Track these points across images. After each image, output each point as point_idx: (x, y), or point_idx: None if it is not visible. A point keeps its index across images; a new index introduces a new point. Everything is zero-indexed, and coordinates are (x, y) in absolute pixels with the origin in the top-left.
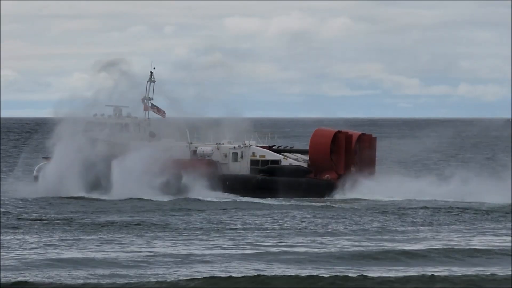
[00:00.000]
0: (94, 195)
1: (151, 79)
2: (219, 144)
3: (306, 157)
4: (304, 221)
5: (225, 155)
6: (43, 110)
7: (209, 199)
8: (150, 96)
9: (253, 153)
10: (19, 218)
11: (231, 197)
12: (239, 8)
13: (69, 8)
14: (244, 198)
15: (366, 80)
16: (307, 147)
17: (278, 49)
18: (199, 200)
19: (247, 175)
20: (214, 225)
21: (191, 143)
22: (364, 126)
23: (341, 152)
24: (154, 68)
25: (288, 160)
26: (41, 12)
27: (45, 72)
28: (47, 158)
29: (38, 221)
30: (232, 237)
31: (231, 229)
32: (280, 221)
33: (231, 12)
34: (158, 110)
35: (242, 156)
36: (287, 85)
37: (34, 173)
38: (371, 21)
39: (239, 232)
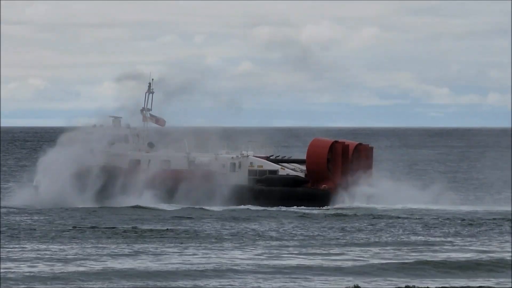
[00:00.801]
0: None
1: (149, 90)
2: (217, 154)
3: (304, 167)
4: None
5: (223, 165)
6: (73, 119)
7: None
8: (149, 107)
9: (251, 163)
10: (74, 227)
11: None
12: (270, 17)
13: (99, 17)
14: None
15: (396, 90)
16: (305, 157)
17: (309, 58)
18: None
19: (244, 185)
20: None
21: (190, 153)
22: (392, 136)
23: (338, 162)
24: (152, 80)
25: (286, 170)
26: (71, 21)
27: (74, 81)
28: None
29: (93, 229)
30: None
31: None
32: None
33: (262, 21)
34: (157, 120)
35: (240, 166)
36: (316, 94)
37: (34, 183)
38: (400, 30)
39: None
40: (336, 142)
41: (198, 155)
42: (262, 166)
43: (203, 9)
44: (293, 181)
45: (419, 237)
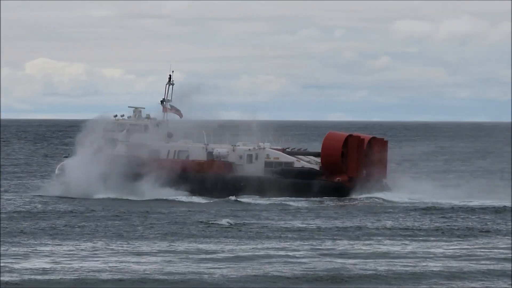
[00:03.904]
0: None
1: (170, 81)
2: (235, 146)
3: (319, 160)
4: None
5: (240, 157)
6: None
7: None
8: (169, 98)
9: (267, 155)
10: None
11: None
12: (409, 11)
13: (239, 10)
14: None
15: None
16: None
17: (446, 53)
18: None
19: (261, 176)
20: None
21: (208, 144)
22: None
23: (352, 155)
24: (173, 72)
25: (301, 162)
26: (210, 15)
27: (212, 75)
28: (68, 157)
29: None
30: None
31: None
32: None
33: (400, 15)
34: (176, 111)
35: (256, 158)
36: (455, 89)
37: (56, 171)
38: None
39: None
40: (350, 135)
41: (216, 146)
42: (278, 158)
43: (342, 4)
44: (307, 173)
45: None
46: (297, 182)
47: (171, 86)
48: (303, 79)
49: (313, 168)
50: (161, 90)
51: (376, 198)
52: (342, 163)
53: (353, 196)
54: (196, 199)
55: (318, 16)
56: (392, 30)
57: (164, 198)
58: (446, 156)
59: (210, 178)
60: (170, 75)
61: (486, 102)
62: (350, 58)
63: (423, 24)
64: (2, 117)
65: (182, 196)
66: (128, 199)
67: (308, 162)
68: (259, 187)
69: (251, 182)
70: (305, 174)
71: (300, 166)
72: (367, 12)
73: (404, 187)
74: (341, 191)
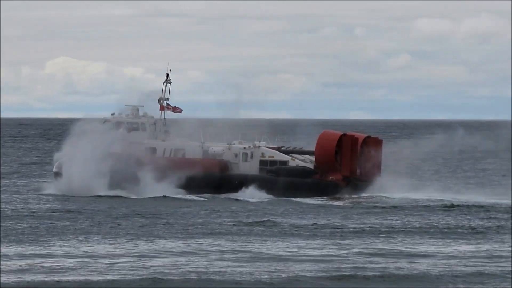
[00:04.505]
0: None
1: (167, 80)
2: (230, 144)
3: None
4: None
5: (236, 155)
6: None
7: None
8: (166, 96)
9: (262, 153)
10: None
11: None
12: (429, 10)
13: (259, 9)
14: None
15: None
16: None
17: (467, 51)
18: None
19: (255, 175)
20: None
21: (204, 143)
22: None
23: (346, 154)
24: (170, 70)
25: (296, 161)
26: (231, 13)
27: (233, 74)
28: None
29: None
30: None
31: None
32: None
33: (421, 14)
34: (174, 109)
35: (252, 156)
36: (475, 88)
37: (54, 169)
38: None
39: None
40: (344, 134)
41: (211, 144)
42: (273, 157)
43: (363, 2)
44: (302, 172)
45: None
46: (290, 181)
47: (168, 84)
48: (323, 78)
49: (307, 167)
50: (180, 89)
51: (372, 196)
52: (336, 162)
53: (346, 195)
54: (195, 197)
55: (338, 15)
56: (412, 28)
57: (164, 195)
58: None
59: (205, 176)
60: (167, 73)
61: (506, 100)
62: (370, 57)
63: (443, 22)
64: (23, 116)
65: (184, 194)
66: (131, 197)
67: (303, 160)
68: (253, 185)
69: (245, 180)
70: (299, 173)
71: (295, 165)
72: (387, 11)
73: (397, 186)
74: (334, 190)
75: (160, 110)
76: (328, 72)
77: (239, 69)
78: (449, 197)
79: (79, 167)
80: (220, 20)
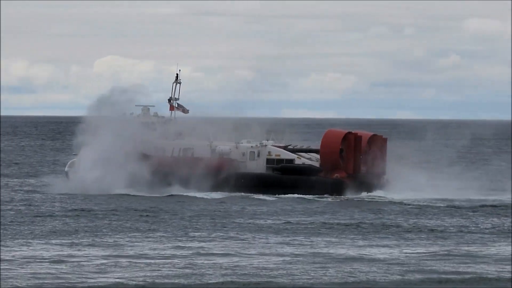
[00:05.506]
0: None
1: (177, 80)
2: (238, 143)
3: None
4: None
5: (243, 154)
6: (278, 110)
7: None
8: (176, 96)
9: (269, 152)
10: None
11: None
12: (479, 10)
13: (308, 8)
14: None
15: None
16: None
17: None
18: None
19: (262, 173)
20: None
21: (212, 142)
22: None
23: (350, 152)
24: (180, 70)
25: (302, 159)
26: (280, 12)
27: (282, 73)
28: (77, 155)
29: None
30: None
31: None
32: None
33: (470, 14)
34: (183, 109)
35: (258, 155)
36: None
37: (66, 168)
38: None
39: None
40: (349, 132)
41: (219, 143)
42: (279, 155)
43: (412, 2)
44: (307, 170)
45: None
46: (296, 179)
47: (178, 84)
48: (371, 77)
49: (313, 165)
50: (228, 88)
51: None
52: (341, 160)
53: (350, 193)
54: (213, 195)
55: (387, 14)
56: (461, 28)
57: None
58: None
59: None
60: (177, 74)
61: None
62: (419, 56)
63: (493, 22)
64: (73, 114)
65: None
66: (156, 196)
67: (309, 159)
68: (259, 183)
69: (252, 178)
70: (305, 171)
71: (301, 163)
72: (437, 10)
73: (403, 184)
74: (339, 188)
75: (170, 110)
76: (377, 72)
77: (288, 68)
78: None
79: (92, 166)
80: (269, 19)
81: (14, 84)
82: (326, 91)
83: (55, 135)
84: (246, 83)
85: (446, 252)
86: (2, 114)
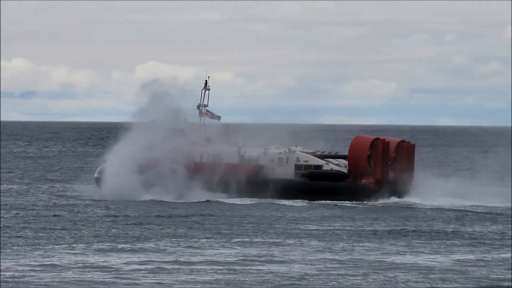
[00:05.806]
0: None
1: (205, 87)
2: (267, 149)
3: None
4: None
5: (272, 160)
6: (319, 117)
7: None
8: (205, 103)
9: (297, 158)
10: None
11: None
12: None
13: (349, 15)
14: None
15: None
16: None
17: None
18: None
19: (291, 179)
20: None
21: (240, 148)
22: None
23: (378, 158)
24: (209, 77)
25: (330, 165)
26: (321, 19)
27: (323, 79)
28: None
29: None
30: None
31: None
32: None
33: (510, 21)
34: (212, 115)
35: (287, 161)
36: None
37: (95, 174)
38: None
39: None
40: (377, 139)
41: (248, 149)
42: (307, 161)
43: (453, 8)
44: (335, 176)
45: None
46: (324, 185)
47: (207, 91)
48: (412, 84)
49: (340, 171)
50: (270, 94)
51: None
52: (369, 166)
53: (379, 199)
54: (243, 200)
55: (428, 21)
56: (503, 34)
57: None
58: None
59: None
60: (206, 80)
61: None
62: (459, 63)
63: None
64: (115, 120)
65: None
66: (184, 202)
67: (337, 165)
68: (287, 190)
69: (280, 184)
70: (332, 177)
71: (329, 169)
72: (478, 17)
73: (432, 189)
74: (366, 194)
75: (199, 116)
76: (417, 78)
77: (329, 74)
78: None
79: (120, 174)
80: (310, 26)
81: (55, 90)
82: (368, 98)
83: (99, 140)
84: (287, 90)
85: (489, 259)
86: (43, 119)
